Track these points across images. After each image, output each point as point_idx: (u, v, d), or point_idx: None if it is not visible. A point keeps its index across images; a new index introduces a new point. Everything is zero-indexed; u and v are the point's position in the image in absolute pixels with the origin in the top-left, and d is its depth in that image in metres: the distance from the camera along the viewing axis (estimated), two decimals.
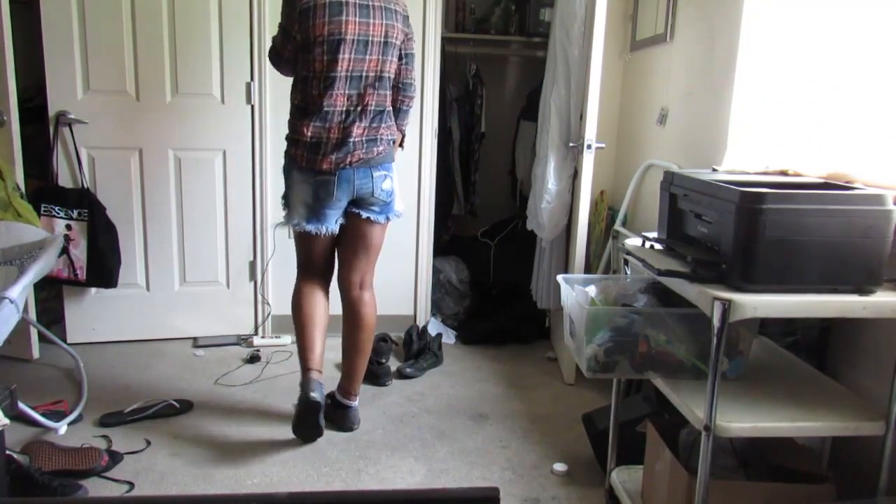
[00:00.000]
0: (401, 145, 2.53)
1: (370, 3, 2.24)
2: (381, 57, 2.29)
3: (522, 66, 4.15)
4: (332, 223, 2.36)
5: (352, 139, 2.26)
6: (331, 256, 2.50)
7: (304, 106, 2.28)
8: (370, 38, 2.25)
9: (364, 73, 2.28)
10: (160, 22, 3.04)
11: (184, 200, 3.22)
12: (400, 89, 2.42)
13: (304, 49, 2.24)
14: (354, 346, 2.49)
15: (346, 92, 2.26)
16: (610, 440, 2.06)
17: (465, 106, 3.83)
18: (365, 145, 2.30)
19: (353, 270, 2.47)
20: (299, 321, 2.42)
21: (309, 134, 2.26)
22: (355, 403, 2.53)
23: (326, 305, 2.49)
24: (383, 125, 2.34)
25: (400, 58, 2.38)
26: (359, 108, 2.28)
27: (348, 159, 2.27)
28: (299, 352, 2.41)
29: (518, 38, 3.82)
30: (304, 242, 2.44)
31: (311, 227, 2.34)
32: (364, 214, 2.38)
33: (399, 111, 2.44)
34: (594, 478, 2.22)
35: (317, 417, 2.28)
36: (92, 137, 3.06)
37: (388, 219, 2.44)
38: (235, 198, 3.27)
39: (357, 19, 2.22)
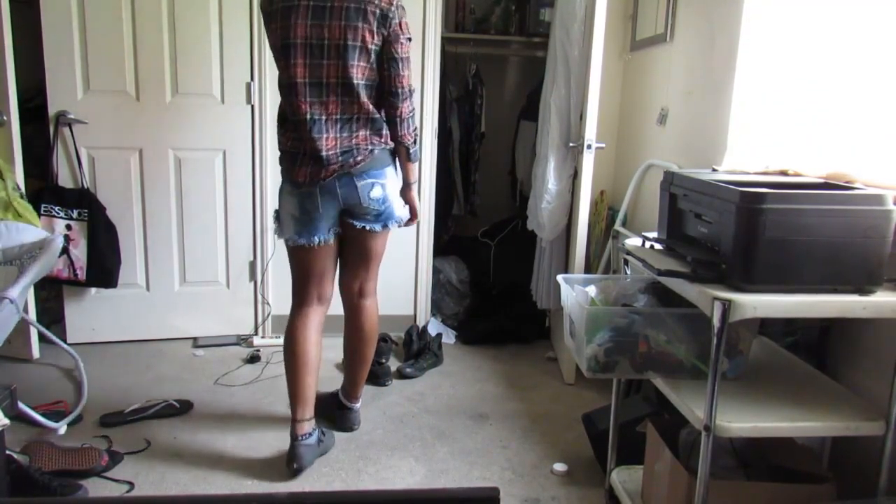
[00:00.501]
0: (408, 158, 2.28)
1: (328, 3, 2.05)
2: (340, 62, 2.08)
3: (522, 66, 4.15)
4: (325, 233, 2.24)
5: (323, 153, 2.11)
6: (329, 274, 2.34)
7: (282, 114, 2.23)
8: (325, 42, 2.07)
9: (324, 80, 2.10)
10: (160, 22, 3.04)
11: (184, 200, 3.22)
12: (385, 98, 2.19)
13: (274, 57, 2.19)
14: (355, 353, 2.47)
15: (308, 100, 2.10)
16: (610, 440, 2.06)
17: (465, 106, 3.83)
18: (340, 157, 2.13)
19: (352, 277, 2.40)
20: (291, 364, 2.27)
21: (288, 144, 2.19)
22: (357, 405, 2.54)
23: (320, 342, 2.33)
24: (357, 135, 2.15)
25: (382, 62, 2.15)
26: (324, 118, 2.12)
27: (322, 173, 2.13)
28: (290, 396, 2.27)
29: (518, 38, 3.82)
30: (298, 258, 2.30)
31: (302, 241, 2.22)
32: (358, 224, 2.25)
33: (389, 122, 2.21)
34: (594, 478, 2.22)
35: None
36: (92, 137, 3.06)
37: (386, 227, 2.28)
38: (235, 198, 3.27)
39: (308, 22, 2.05)
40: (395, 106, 2.19)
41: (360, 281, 2.40)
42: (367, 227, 2.26)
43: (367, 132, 2.17)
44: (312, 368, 2.27)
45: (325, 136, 2.12)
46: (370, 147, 2.17)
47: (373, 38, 2.09)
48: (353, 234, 2.29)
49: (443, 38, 3.40)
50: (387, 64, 2.14)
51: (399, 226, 2.34)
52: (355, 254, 2.35)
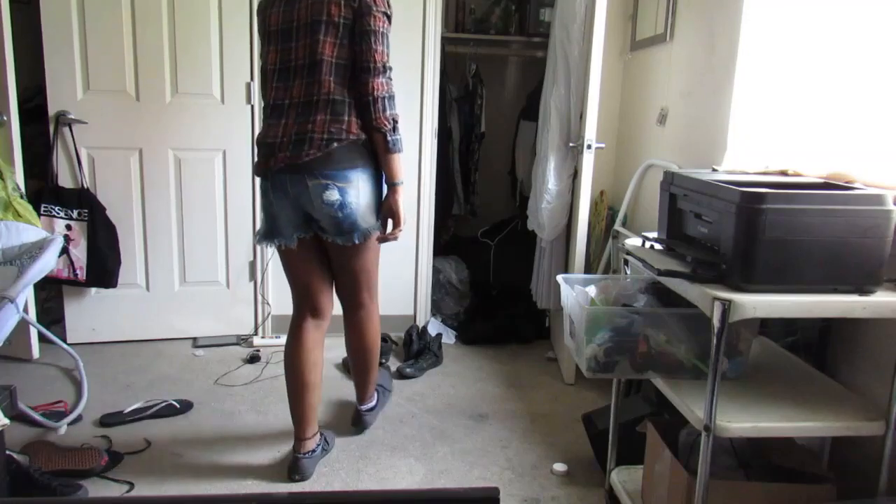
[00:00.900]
0: (386, 148, 1.99)
1: None
2: (308, 39, 1.96)
3: (522, 66, 4.15)
4: (287, 237, 2.08)
5: (277, 139, 1.99)
6: (318, 284, 2.19)
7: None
8: (293, 25, 1.99)
9: (292, 63, 1.99)
10: (160, 22, 3.04)
11: (184, 200, 3.22)
12: (357, 77, 1.98)
13: None
14: (354, 361, 2.42)
15: (275, 85, 2.03)
16: (610, 440, 2.06)
17: (465, 106, 3.84)
18: (291, 146, 1.97)
19: (339, 287, 2.26)
20: (291, 385, 2.18)
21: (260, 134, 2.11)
22: (364, 407, 2.49)
23: (320, 361, 2.21)
24: (315, 119, 1.96)
25: (353, 38, 1.97)
26: (287, 102, 2.00)
27: (270, 162, 2.00)
28: (291, 415, 2.21)
29: (518, 38, 3.82)
30: (282, 263, 2.20)
31: (266, 241, 2.12)
32: (323, 237, 2.08)
33: (362, 106, 1.98)
34: (594, 478, 2.22)
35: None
36: (92, 137, 3.06)
37: (351, 241, 2.05)
38: (235, 198, 3.27)
39: (281, 9, 2.02)
40: (366, 83, 1.96)
41: (349, 292, 2.25)
42: (330, 240, 2.07)
43: (325, 116, 1.96)
44: (313, 389, 2.18)
45: (282, 121, 2.01)
46: (326, 137, 1.96)
47: (340, 10, 1.95)
48: (326, 244, 2.13)
49: (443, 38, 3.40)
50: (359, 38, 1.96)
51: (368, 239, 2.08)
52: (336, 267, 2.20)
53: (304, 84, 1.99)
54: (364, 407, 2.50)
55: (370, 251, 2.16)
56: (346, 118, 1.98)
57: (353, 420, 2.51)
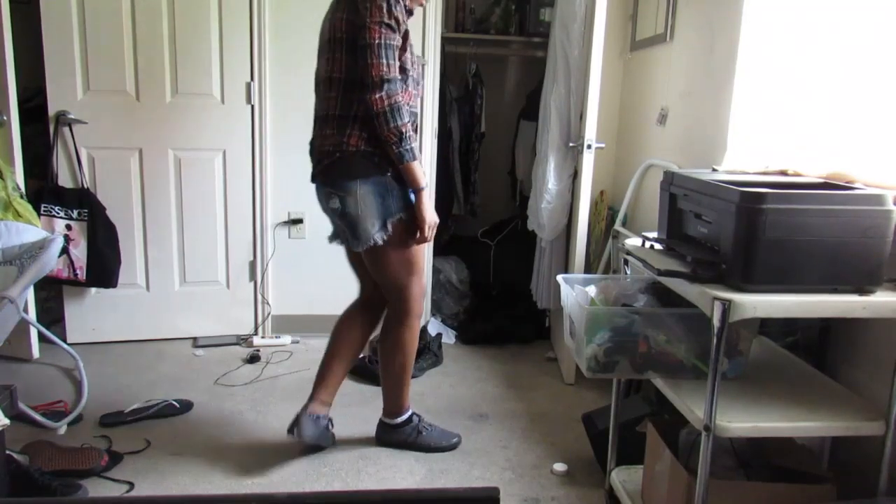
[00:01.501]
0: (396, 160, 2.01)
1: (335, 3, 2.09)
2: (326, 56, 2.07)
3: (522, 66, 4.15)
4: (336, 234, 2.28)
5: (310, 148, 2.19)
6: (361, 276, 2.34)
7: None
8: (322, 43, 2.11)
9: (317, 80, 2.14)
10: (160, 22, 3.04)
11: (184, 200, 3.22)
12: (361, 90, 2.00)
13: None
14: (379, 367, 2.42)
15: (315, 98, 2.18)
16: (610, 440, 2.06)
17: (465, 106, 3.83)
18: (317, 155, 2.12)
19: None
20: (329, 341, 2.35)
21: None
22: (388, 420, 2.39)
23: (354, 336, 2.33)
24: (326, 133, 2.07)
25: (355, 53, 1.99)
26: (314, 115, 2.17)
27: (312, 171, 2.18)
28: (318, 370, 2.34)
29: (518, 38, 3.82)
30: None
31: (332, 240, 2.32)
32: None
33: (370, 118, 1.99)
34: (594, 478, 2.22)
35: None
36: (92, 137, 3.06)
37: (364, 246, 2.09)
38: (235, 198, 3.27)
39: (323, 28, 2.13)
40: (367, 99, 1.96)
41: (388, 297, 2.27)
42: (347, 244, 2.20)
43: (333, 131, 2.05)
44: (335, 356, 2.31)
45: (314, 133, 2.17)
46: (331, 148, 2.05)
47: (343, 25, 1.99)
48: None
49: (443, 38, 3.40)
50: (359, 54, 1.97)
51: (365, 248, 2.10)
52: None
53: (321, 100, 2.12)
54: (385, 419, 2.41)
55: (386, 266, 2.16)
56: (348, 131, 2.04)
57: (376, 430, 2.44)
